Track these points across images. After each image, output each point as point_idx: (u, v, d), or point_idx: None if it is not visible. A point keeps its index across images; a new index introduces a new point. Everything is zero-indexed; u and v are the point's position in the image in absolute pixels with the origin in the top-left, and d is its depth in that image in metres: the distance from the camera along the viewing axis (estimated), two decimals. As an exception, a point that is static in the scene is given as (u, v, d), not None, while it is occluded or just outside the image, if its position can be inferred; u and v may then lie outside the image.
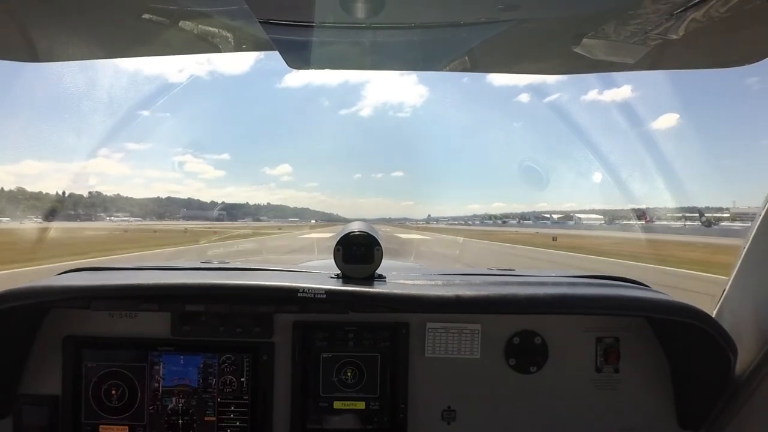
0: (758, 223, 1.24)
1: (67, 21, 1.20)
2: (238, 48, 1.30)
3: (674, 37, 1.07)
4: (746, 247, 1.28)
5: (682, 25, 1.02)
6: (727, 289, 1.36)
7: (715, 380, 1.25)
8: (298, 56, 1.31)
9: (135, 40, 1.35)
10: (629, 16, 1.02)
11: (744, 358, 1.22)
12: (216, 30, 1.21)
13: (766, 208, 1.21)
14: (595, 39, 1.14)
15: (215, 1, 1.07)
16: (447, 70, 1.40)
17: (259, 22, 1.06)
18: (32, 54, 1.34)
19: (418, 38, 1.18)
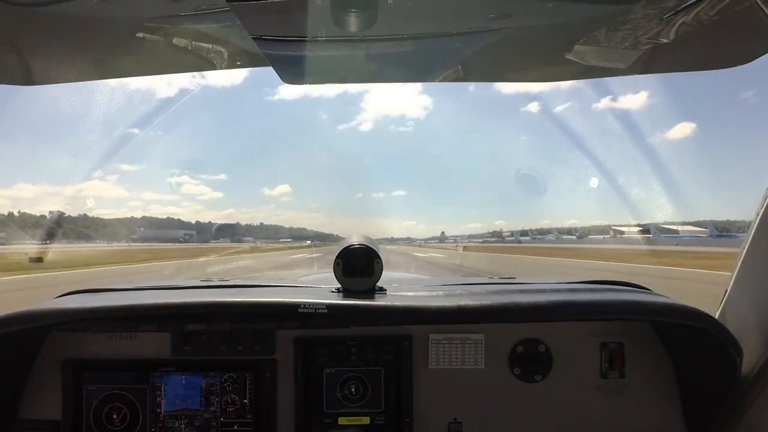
0: (757, 222, 1.24)
1: (62, 43, 1.21)
2: (232, 64, 1.31)
3: (665, 41, 1.08)
4: (746, 248, 1.28)
5: (672, 29, 1.03)
6: (729, 291, 1.35)
7: (721, 382, 1.23)
8: (293, 71, 1.32)
9: (130, 60, 1.36)
10: (619, 21, 1.03)
11: (749, 360, 1.20)
12: (210, 47, 1.22)
13: (764, 207, 1.21)
14: (587, 45, 1.15)
15: (208, 19, 1.08)
16: (441, 81, 1.41)
17: (253, 38, 1.07)
18: (28, 77, 1.35)
19: (411, 50, 1.19)
